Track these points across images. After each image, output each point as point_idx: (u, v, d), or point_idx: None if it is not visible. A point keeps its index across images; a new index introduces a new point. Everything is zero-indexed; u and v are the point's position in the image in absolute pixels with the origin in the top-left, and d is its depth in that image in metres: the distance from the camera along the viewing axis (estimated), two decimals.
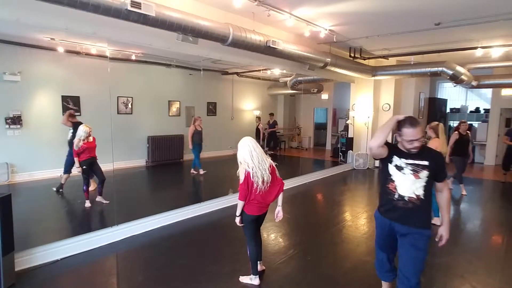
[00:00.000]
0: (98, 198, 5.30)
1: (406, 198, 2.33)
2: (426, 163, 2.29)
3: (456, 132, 6.37)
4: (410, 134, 2.26)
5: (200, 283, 3.21)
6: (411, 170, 2.31)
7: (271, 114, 10.63)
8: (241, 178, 2.96)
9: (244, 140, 3.01)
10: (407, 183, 2.32)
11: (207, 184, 7.33)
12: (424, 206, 2.33)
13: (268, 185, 3.00)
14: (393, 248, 2.55)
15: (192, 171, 7.84)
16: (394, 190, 2.36)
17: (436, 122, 4.82)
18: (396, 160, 2.36)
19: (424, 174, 2.29)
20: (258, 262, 3.33)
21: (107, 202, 5.23)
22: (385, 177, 2.42)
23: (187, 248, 4.05)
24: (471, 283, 3.23)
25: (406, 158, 2.33)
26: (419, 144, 2.28)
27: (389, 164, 2.39)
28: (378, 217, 2.56)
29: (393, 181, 2.37)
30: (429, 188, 2.33)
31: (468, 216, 5.73)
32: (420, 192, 2.30)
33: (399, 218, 2.37)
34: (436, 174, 2.34)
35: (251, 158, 2.92)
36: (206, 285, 3.19)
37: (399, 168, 2.35)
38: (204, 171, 7.65)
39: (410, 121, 2.28)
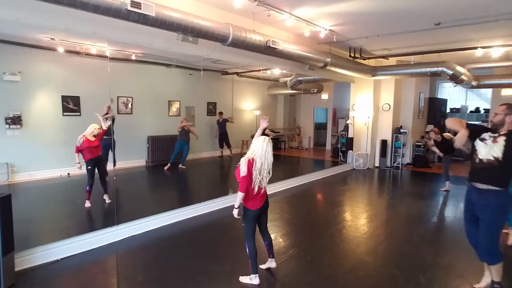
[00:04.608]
0: (105, 197, 5.35)
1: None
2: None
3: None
4: None
5: (200, 283, 3.21)
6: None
7: (220, 113, 10.31)
8: (243, 170, 3.02)
9: (260, 141, 3.10)
10: None
11: (207, 184, 7.33)
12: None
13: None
14: None
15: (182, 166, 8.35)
16: None
17: None
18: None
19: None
20: (270, 260, 3.44)
21: (109, 201, 5.26)
22: None
23: (187, 248, 4.05)
24: (471, 283, 3.22)
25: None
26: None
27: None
28: None
29: None
30: None
31: None
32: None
33: None
34: None
35: (260, 159, 3.06)
36: (206, 285, 3.19)
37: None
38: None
39: None
